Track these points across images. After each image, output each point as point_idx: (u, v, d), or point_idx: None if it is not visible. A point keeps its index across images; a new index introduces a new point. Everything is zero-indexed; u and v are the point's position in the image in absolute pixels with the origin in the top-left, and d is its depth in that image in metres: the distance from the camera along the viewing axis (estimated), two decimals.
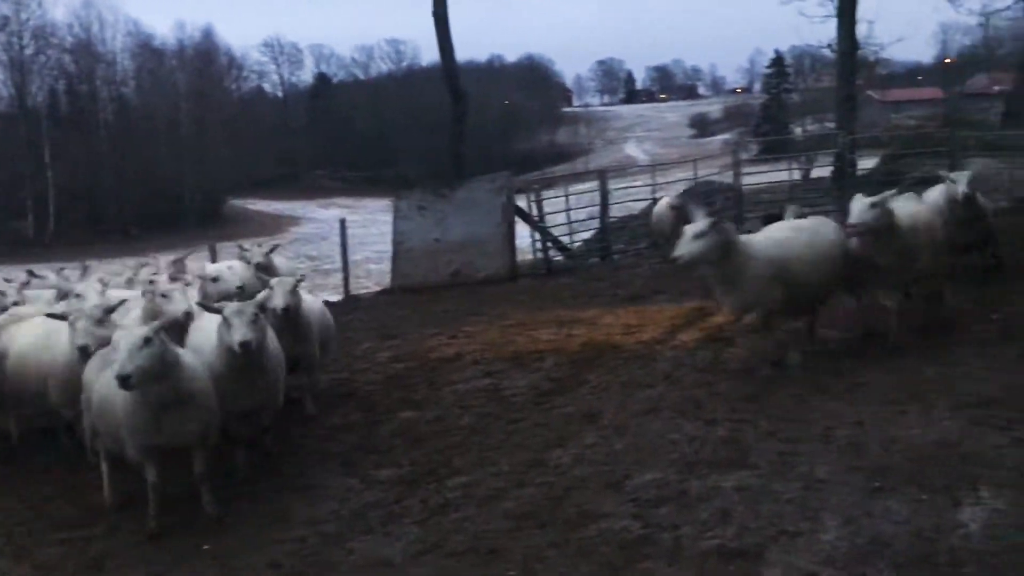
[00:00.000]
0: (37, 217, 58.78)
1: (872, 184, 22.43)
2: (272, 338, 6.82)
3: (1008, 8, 33.33)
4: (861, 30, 28.20)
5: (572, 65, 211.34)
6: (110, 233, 59.18)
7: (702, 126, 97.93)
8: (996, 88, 57.67)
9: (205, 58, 76.46)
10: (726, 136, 76.80)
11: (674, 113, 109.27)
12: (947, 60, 74.57)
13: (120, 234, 59.31)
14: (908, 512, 4.80)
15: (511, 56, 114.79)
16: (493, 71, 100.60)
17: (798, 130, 61.10)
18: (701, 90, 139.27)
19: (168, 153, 63.52)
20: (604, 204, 17.90)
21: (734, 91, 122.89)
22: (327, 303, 17.65)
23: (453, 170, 21.43)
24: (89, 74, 68.16)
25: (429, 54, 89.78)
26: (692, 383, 7.81)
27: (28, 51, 64.60)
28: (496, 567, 4.85)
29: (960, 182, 9.06)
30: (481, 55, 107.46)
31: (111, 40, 70.66)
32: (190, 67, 73.45)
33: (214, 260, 18.92)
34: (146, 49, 73.82)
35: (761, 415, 6.68)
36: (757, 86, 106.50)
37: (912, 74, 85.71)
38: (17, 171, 57.34)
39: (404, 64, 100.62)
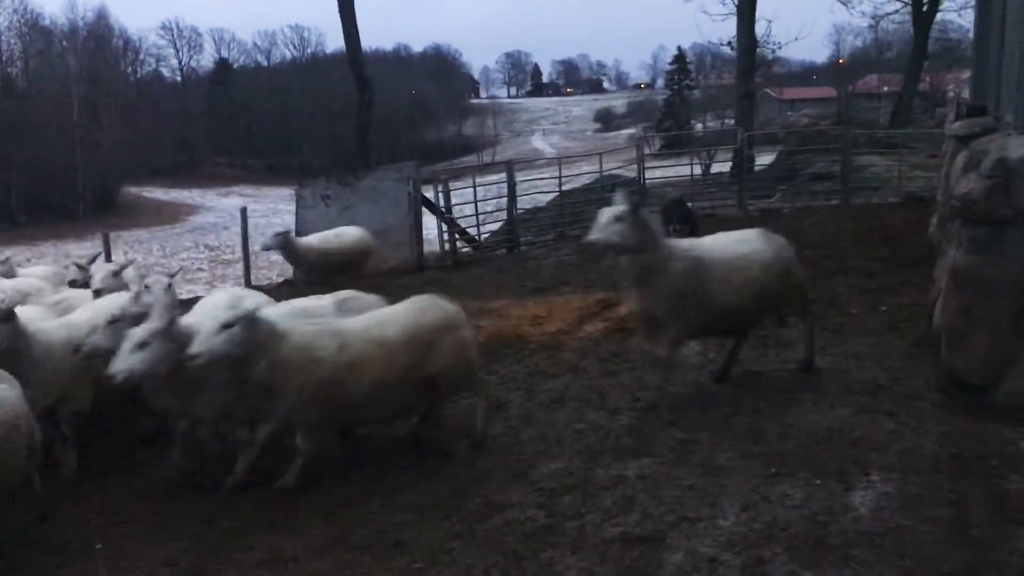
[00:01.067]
0: None
1: (769, 180, 23.25)
2: None
3: (896, 12, 34.89)
4: (760, 29, 28.99)
5: (479, 57, 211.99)
6: None
7: (607, 120, 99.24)
8: (885, 88, 60.34)
9: (99, 40, 73.47)
10: (630, 131, 78.08)
11: (580, 107, 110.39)
12: (840, 60, 77.45)
13: (7, 221, 56.54)
14: (803, 496, 4.95)
15: (418, 46, 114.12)
16: (400, 60, 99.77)
17: (699, 126, 62.65)
18: (606, 85, 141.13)
19: (59, 138, 60.71)
20: (512, 196, 17.94)
21: (638, 86, 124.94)
22: None
23: (359, 159, 21.19)
24: None
25: (334, 41, 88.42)
26: (597, 373, 7.91)
27: None
28: (401, 559, 4.81)
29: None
30: (387, 44, 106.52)
31: None
32: (83, 49, 70.44)
33: (107, 250, 18.22)
34: (34, 29, 70.48)
35: (663, 404, 6.80)
36: (660, 82, 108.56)
37: (807, 73, 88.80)
38: None
39: (308, 51, 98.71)
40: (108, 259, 18.18)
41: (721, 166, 24.67)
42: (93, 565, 5.21)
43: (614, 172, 21.55)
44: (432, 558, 4.77)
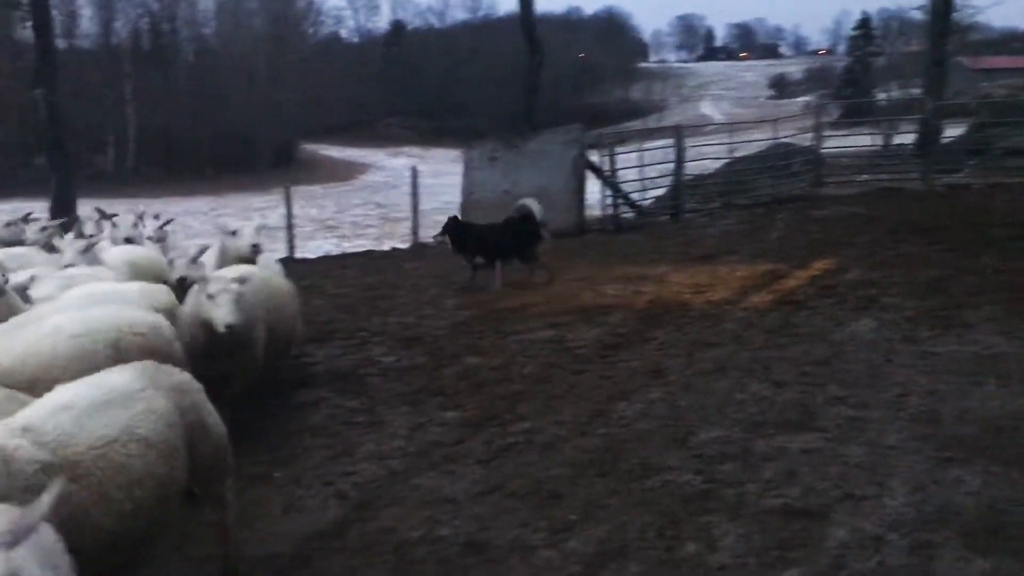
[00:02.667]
0: (117, 153, 60.27)
1: (957, 153, 21.77)
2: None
3: None
4: None
5: (651, 20, 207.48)
6: (185, 172, 60.50)
7: (781, 87, 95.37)
8: None
9: (284, 2, 76.83)
10: (806, 98, 74.72)
11: (753, 73, 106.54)
12: None
13: (195, 174, 60.56)
14: (979, 484, 4.71)
15: (589, 9, 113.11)
16: (570, 23, 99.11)
17: (882, 95, 59.20)
18: (783, 50, 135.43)
19: (244, 95, 64.28)
20: (679, 161, 17.61)
21: (817, 52, 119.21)
22: (396, 250, 17.92)
23: (525, 122, 21.32)
24: (171, 14, 69.17)
25: (506, 4, 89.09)
26: (761, 344, 7.72)
27: None
28: (557, 511, 4.91)
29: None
30: (559, 7, 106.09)
31: None
32: (269, 10, 73.91)
33: (288, 204, 19.25)
34: None
35: (831, 380, 6.59)
36: (841, 48, 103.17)
37: (1007, 41, 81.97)
38: (100, 107, 58.73)
39: (480, 13, 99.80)
40: (289, 213, 19.24)
41: (905, 138, 23.26)
42: (269, 492, 5.60)
43: (787, 140, 20.75)
44: (587, 512, 4.84)
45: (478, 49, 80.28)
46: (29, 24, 22.37)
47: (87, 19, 66.93)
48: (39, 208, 36.33)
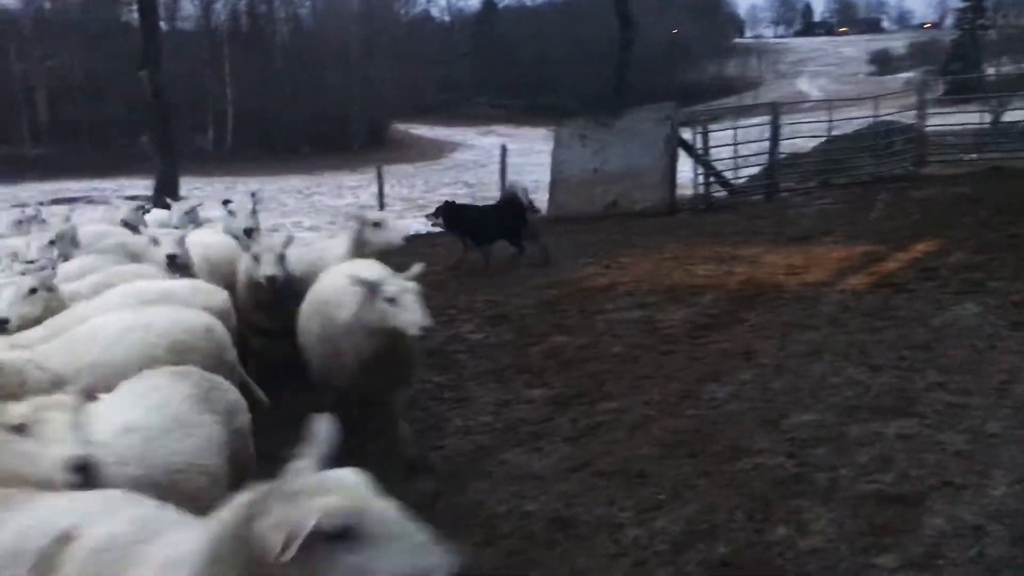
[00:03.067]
0: (216, 133, 62.15)
1: None
2: None
3: None
4: None
5: None
6: (281, 151, 62.01)
7: (884, 62, 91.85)
8: None
9: None
10: (910, 74, 71.96)
11: (853, 48, 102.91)
12: None
13: (291, 152, 62.01)
14: None
15: None
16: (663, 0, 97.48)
17: (991, 70, 56.53)
18: (885, 24, 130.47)
19: (338, 75, 65.39)
20: (774, 139, 17.19)
21: (922, 26, 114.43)
22: None
23: (616, 99, 21.12)
24: None
25: None
26: (858, 328, 7.51)
27: None
28: (645, 490, 4.90)
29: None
30: None
31: None
32: None
33: (380, 183, 19.54)
34: None
35: (931, 365, 6.36)
36: (949, 21, 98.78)
37: None
38: (200, 88, 60.61)
39: None
40: (380, 192, 19.55)
41: (1015, 115, 22.18)
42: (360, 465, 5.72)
43: (889, 118, 20.03)
44: (676, 492, 4.82)
45: (569, 26, 79.65)
46: (135, 8, 23.17)
47: (188, 2, 69.04)
48: (143, 186, 37.78)
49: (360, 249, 7.21)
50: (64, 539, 2.40)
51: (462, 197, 43.96)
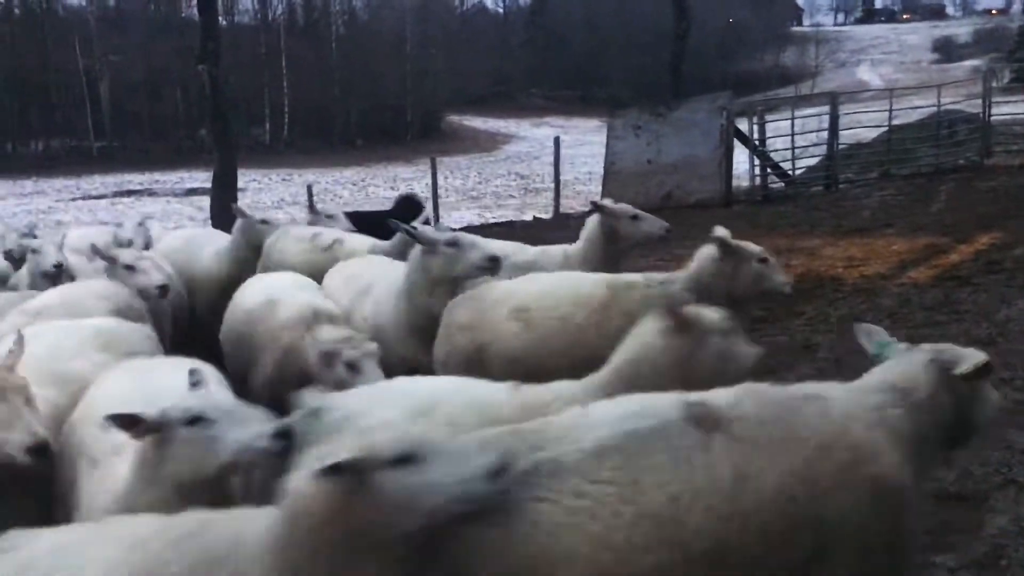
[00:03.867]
0: (273, 125, 63.02)
1: None
2: None
3: None
4: None
5: None
6: (336, 143, 62.70)
7: (948, 50, 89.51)
8: None
9: None
10: (975, 62, 70.06)
11: (916, 35, 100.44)
12: None
13: (346, 144, 62.65)
14: None
15: None
16: None
17: None
18: (949, 10, 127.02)
19: (392, 68, 65.84)
20: (833, 129, 16.89)
21: (988, 12, 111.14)
22: (537, 220, 18.00)
23: (671, 90, 20.92)
24: None
25: None
26: (919, 322, 7.36)
27: None
28: None
29: None
30: None
31: None
32: None
33: (434, 174, 19.62)
34: None
35: (995, 361, 6.19)
36: (1017, 7, 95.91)
37: None
38: (257, 81, 61.52)
39: None
40: (434, 183, 19.65)
41: None
42: None
43: (953, 107, 19.54)
44: None
45: (623, 16, 79.14)
46: (194, 3, 23.59)
47: None
48: (202, 178, 38.34)
49: (607, 247, 6.18)
50: None
51: (514, 188, 44.06)
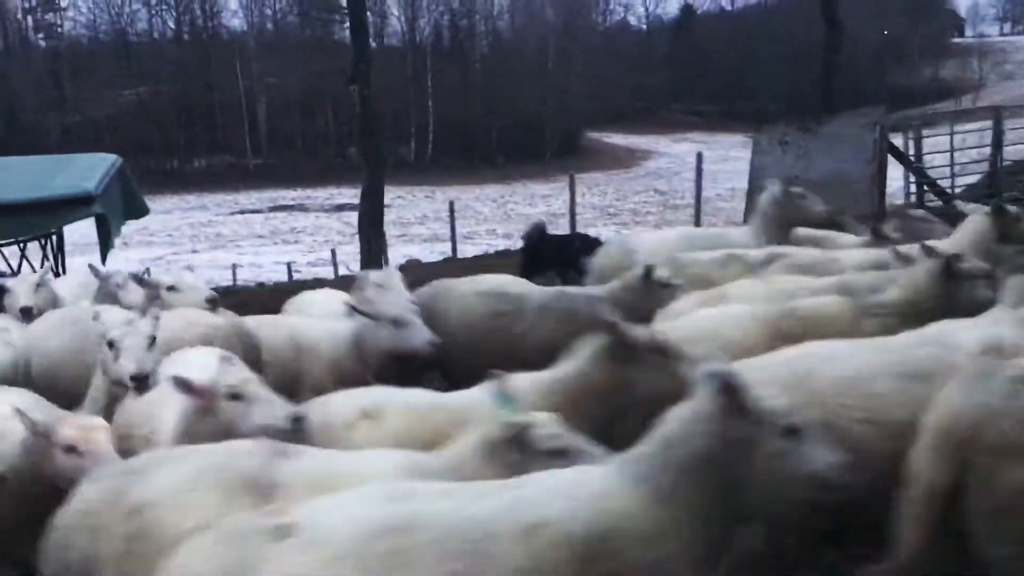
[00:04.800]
0: (418, 143, 64.87)
1: None
2: None
3: None
4: None
5: None
6: (478, 161, 63.90)
7: None
8: None
9: None
10: None
11: None
12: None
13: (487, 162, 63.75)
14: None
15: None
16: None
17: None
18: None
19: (534, 86, 66.59)
20: (997, 145, 15.87)
21: None
22: None
23: (821, 104, 20.19)
24: (469, 9, 73.11)
25: None
26: None
27: None
28: None
29: None
30: None
31: None
32: (560, 1, 75.92)
33: (572, 192, 19.62)
34: None
35: None
36: None
37: None
38: (404, 101, 63.52)
39: None
40: (572, 200, 19.64)
41: None
42: None
43: None
44: None
45: (771, 29, 77.29)
46: (347, 26, 24.53)
47: (395, 19, 72.55)
48: (351, 194, 39.78)
49: (777, 226, 6.45)
50: None
51: (652, 205, 43.70)
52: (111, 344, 4.05)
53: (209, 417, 3.54)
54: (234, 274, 24.74)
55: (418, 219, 42.31)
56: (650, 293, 5.48)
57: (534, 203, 46.73)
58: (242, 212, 49.08)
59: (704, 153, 20.78)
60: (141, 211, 12.08)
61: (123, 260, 22.48)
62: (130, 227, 8.58)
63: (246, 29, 68.87)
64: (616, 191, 49.65)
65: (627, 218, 37.84)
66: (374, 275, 6.21)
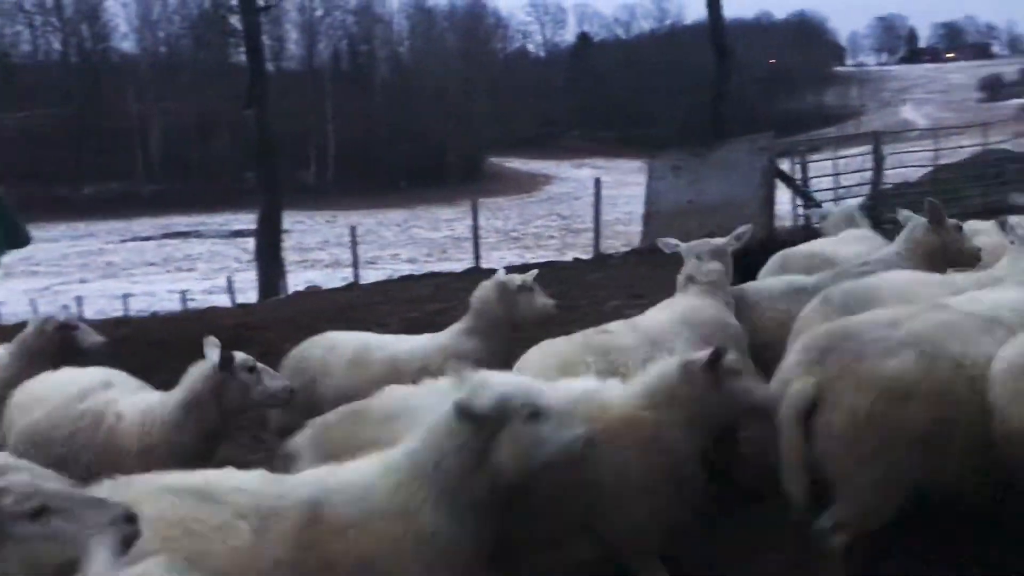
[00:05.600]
0: (318, 168, 64.13)
1: None
2: None
3: None
4: None
5: (848, 22, 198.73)
6: (381, 186, 63.58)
7: (994, 89, 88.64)
8: None
9: (473, 19, 79.37)
10: (1022, 100, 69.22)
11: (961, 74, 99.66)
12: None
13: (390, 187, 63.48)
14: None
15: (780, 13, 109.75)
16: (761, 29, 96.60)
17: None
18: (995, 49, 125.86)
19: (435, 111, 66.81)
20: (877, 169, 16.69)
21: None
22: (578, 261, 17.96)
23: (712, 130, 20.86)
24: (368, 35, 73.02)
25: (694, 12, 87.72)
26: None
27: (318, 13, 70.23)
28: None
29: None
30: (748, 12, 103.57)
31: (389, 1, 75.29)
32: (460, 28, 76.58)
33: (475, 217, 19.69)
34: (420, 10, 77.83)
35: None
36: None
37: None
38: (303, 125, 62.79)
39: (667, 22, 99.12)
40: (475, 225, 19.72)
41: None
42: None
43: (1000, 146, 19.25)
44: None
45: (664, 58, 79.63)
46: (243, 50, 24.20)
47: (292, 43, 71.79)
48: (248, 219, 39.06)
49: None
50: None
51: (555, 229, 44.27)
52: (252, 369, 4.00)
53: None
54: (126, 304, 23.90)
55: (319, 244, 41.74)
56: None
57: (438, 227, 46.72)
58: (134, 239, 47.55)
59: (603, 178, 21.18)
60: (23, 240, 11.55)
61: (5, 291, 21.47)
62: (13, 257, 8.15)
63: (139, 52, 67.03)
64: (519, 215, 50.12)
65: (530, 242, 38.20)
66: None
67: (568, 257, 20.14)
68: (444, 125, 66.43)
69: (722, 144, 17.41)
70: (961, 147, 20.70)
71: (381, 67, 73.01)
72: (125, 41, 70.45)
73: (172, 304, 23.90)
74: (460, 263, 21.67)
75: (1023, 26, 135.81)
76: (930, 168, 19.34)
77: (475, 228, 19.52)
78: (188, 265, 38.36)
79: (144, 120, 61.30)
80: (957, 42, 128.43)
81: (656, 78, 77.79)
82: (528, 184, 67.09)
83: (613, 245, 23.76)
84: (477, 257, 18.78)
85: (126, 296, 25.72)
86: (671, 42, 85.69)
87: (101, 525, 2.23)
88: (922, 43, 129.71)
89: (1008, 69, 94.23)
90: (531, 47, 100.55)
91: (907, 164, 19.32)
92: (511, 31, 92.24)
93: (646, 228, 17.21)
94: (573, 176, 68.23)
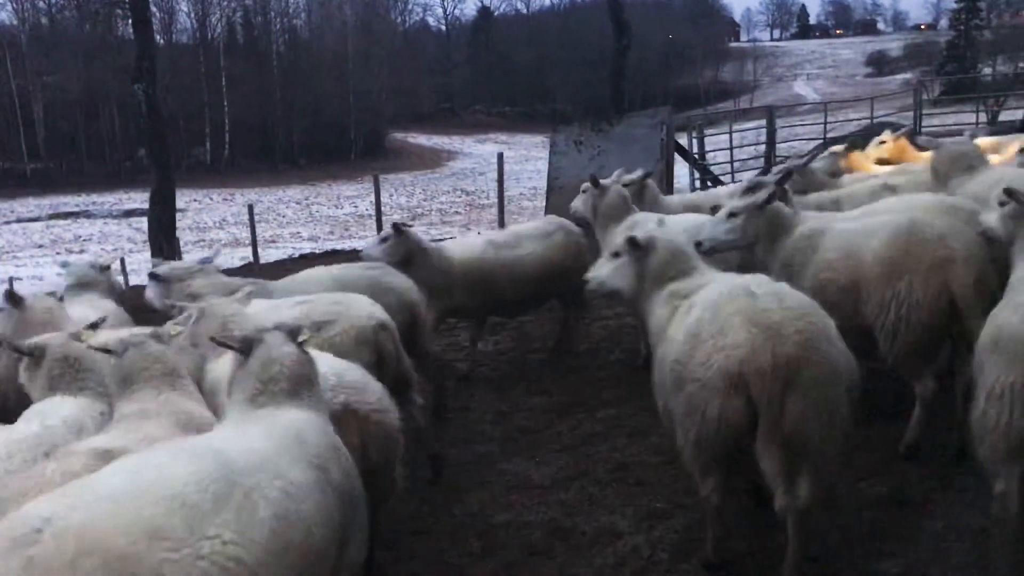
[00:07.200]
0: (213, 145, 62.16)
1: None
2: None
3: None
4: None
5: None
6: (279, 162, 62.11)
7: (880, 64, 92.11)
8: None
9: None
10: (907, 75, 72.17)
11: (849, 50, 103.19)
12: None
13: (289, 163, 62.08)
14: None
15: None
16: (658, 5, 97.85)
17: (987, 70, 56.69)
18: (881, 26, 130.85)
19: (335, 86, 65.49)
20: (770, 142, 17.20)
21: (918, 27, 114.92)
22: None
23: (612, 105, 21.09)
24: (264, 7, 70.88)
25: None
26: None
27: None
28: (644, 499, 4.85)
29: None
30: None
31: None
32: (358, 0, 75.05)
33: (378, 194, 19.47)
34: None
35: None
36: (944, 22, 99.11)
37: None
38: (197, 100, 60.69)
39: None
40: (378, 201, 19.50)
41: (1013, 114, 22.20)
42: None
43: (886, 120, 20.03)
44: (674, 500, 4.77)
45: (565, 33, 79.89)
46: (129, 21, 23.23)
47: (184, 15, 69.16)
48: (140, 199, 37.51)
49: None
50: None
51: (460, 205, 44.07)
52: None
53: None
54: (11, 288, 22.74)
55: (216, 223, 40.54)
56: None
57: (340, 204, 45.95)
58: (19, 221, 45.26)
59: (506, 153, 21.18)
60: None
61: None
62: None
63: (17, 24, 63.46)
64: (423, 191, 49.68)
65: (435, 218, 37.93)
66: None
67: (474, 232, 20.10)
68: (343, 100, 65.21)
69: (622, 119, 17.62)
70: (850, 120, 21.54)
71: (277, 40, 70.98)
72: (2, 12, 66.74)
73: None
74: (363, 241, 21.41)
75: (906, 3, 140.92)
76: (820, 140, 20.01)
77: (378, 205, 19.31)
78: (79, 247, 36.72)
79: (26, 96, 58.13)
80: (845, 19, 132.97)
81: (557, 52, 78.06)
82: (432, 159, 66.56)
83: (517, 220, 23.88)
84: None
85: (11, 280, 24.50)
86: (573, 17, 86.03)
87: None
88: (812, 20, 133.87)
89: (892, 45, 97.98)
90: (432, 21, 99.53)
91: (799, 137, 19.94)
92: (411, 4, 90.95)
93: (549, 202, 17.32)
94: (476, 151, 68.04)
